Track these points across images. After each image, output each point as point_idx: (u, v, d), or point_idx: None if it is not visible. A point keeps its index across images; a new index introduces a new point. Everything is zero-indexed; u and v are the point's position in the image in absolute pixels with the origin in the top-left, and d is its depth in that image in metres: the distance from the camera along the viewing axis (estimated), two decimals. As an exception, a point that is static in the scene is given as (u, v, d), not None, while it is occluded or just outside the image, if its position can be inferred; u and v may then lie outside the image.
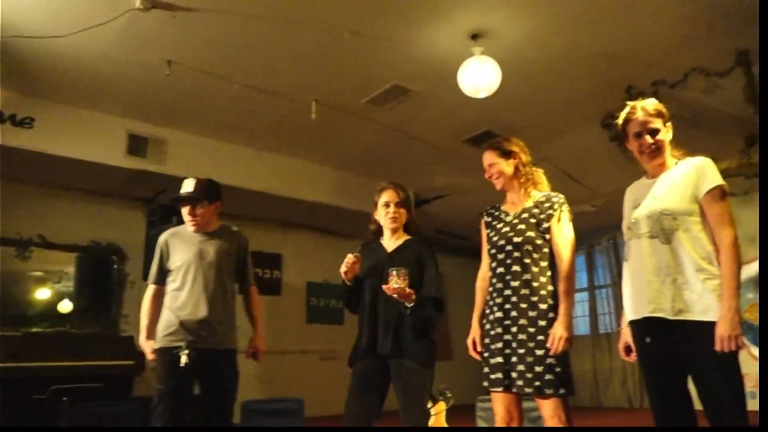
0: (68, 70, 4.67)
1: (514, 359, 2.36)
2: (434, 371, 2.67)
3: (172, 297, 2.94)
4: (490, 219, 2.66)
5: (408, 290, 2.53)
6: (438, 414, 4.34)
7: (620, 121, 2.35)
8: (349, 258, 2.69)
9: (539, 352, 2.32)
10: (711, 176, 2.15)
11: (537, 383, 2.30)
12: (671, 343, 2.11)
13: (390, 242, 2.86)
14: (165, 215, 5.14)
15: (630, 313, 2.28)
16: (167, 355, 2.83)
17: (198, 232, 3.03)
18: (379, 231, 2.92)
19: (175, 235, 3.09)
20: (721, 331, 1.96)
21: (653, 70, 4.82)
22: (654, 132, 2.25)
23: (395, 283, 2.51)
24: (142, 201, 6.39)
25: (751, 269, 6.92)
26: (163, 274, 3.03)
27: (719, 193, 2.13)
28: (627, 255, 2.33)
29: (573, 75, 4.96)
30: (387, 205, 2.83)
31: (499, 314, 2.44)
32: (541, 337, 2.34)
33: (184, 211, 3.02)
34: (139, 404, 4.49)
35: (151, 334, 2.98)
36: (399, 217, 2.82)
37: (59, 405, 4.16)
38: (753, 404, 6.13)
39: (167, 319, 2.91)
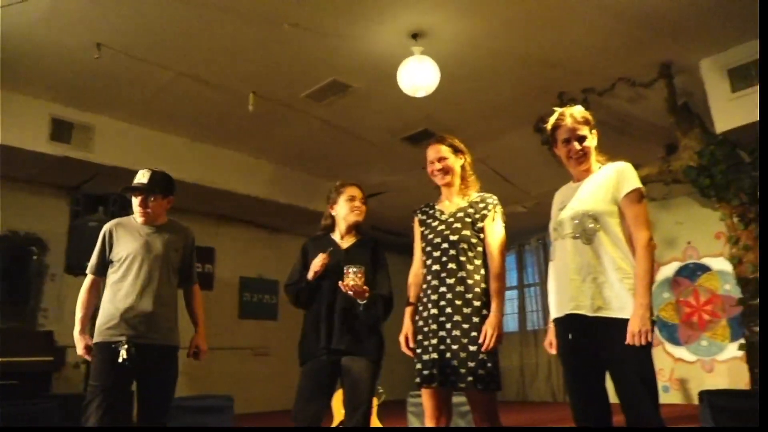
0: (-14, 48, 4.40)
1: (448, 355, 2.40)
2: (381, 366, 2.73)
3: (114, 289, 2.83)
4: (424, 217, 2.70)
5: (364, 287, 2.59)
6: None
7: (549, 126, 2.44)
8: (324, 258, 2.69)
9: (472, 348, 2.38)
10: (630, 179, 2.26)
11: (470, 378, 2.35)
12: (591, 339, 2.20)
13: (344, 240, 2.87)
14: (90, 205, 4.91)
15: (554, 311, 2.37)
16: (106, 349, 2.71)
17: (146, 225, 2.93)
18: (331, 227, 2.92)
19: (120, 225, 2.97)
20: (632, 327, 2.07)
21: (584, 77, 5.02)
22: (581, 139, 2.35)
23: (352, 280, 2.56)
24: (65, 189, 6.09)
25: (668, 270, 7.36)
26: (104, 265, 2.91)
27: (637, 196, 2.24)
28: (552, 255, 2.42)
29: (508, 78, 5.10)
30: (353, 199, 2.85)
31: (434, 311, 2.48)
32: (474, 334, 2.39)
33: (135, 201, 2.92)
34: (59, 402, 4.28)
35: (85, 328, 2.84)
36: (363, 212, 2.86)
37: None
38: (665, 398, 6.48)
39: (108, 312, 2.79)
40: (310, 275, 2.71)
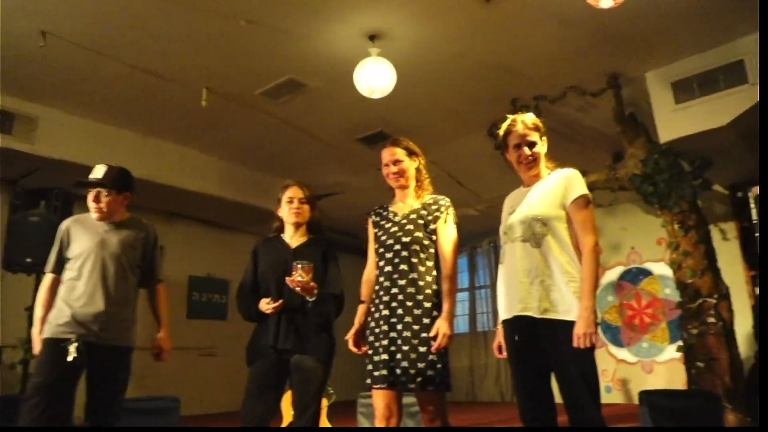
0: None
1: (398, 356, 2.42)
2: (332, 367, 2.71)
3: (68, 287, 2.75)
4: (378, 218, 2.71)
5: (311, 284, 2.57)
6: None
7: (501, 132, 2.49)
8: (275, 307, 2.63)
9: (422, 349, 2.40)
10: (577, 186, 2.33)
11: (419, 379, 2.37)
12: (537, 340, 2.26)
13: (293, 239, 2.86)
14: (31, 199, 4.73)
15: (503, 313, 2.42)
16: (53, 346, 2.62)
17: (103, 221, 2.85)
18: (281, 228, 2.92)
19: (78, 222, 2.88)
20: (577, 329, 2.13)
21: (536, 85, 5.14)
22: (532, 144, 2.41)
23: (299, 276, 2.54)
24: (5, 183, 5.83)
25: (613, 274, 7.61)
26: (62, 262, 2.81)
27: (584, 202, 2.31)
28: (502, 258, 2.47)
29: (464, 83, 5.17)
30: (291, 200, 2.84)
31: (385, 312, 2.49)
32: (424, 335, 2.42)
33: (89, 197, 2.84)
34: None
35: (44, 328, 2.74)
36: (302, 212, 2.84)
37: None
38: (608, 398, 6.67)
39: (59, 309, 2.71)
40: (264, 308, 2.66)
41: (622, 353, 7.37)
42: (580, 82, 5.07)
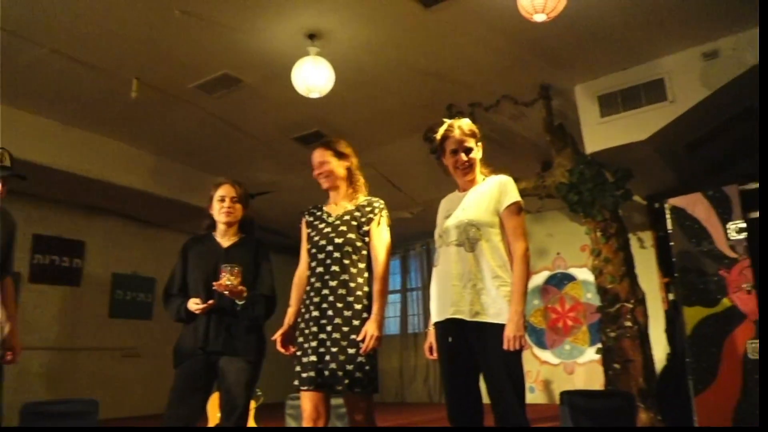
0: None
1: (327, 358, 2.41)
2: (261, 368, 2.67)
3: None
4: (311, 219, 2.69)
5: (240, 287, 2.53)
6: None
7: (438, 136, 2.53)
8: (204, 307, 2.58)
9: (351, 351, 2.40)
10: (511, 193, 2.41)
11: (347, 381, 2.37)
12: (467, 342, 2.31)
13: (224, 239, 2.81)
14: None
15: (435, 315, 2.46)
16: None
17: None
18: (213, 226, 2.85)
19: None
20: (508, 332, 2.20)
21: (472, 92, 5.25)
22: (468, 150, 2.46)
23: (227, 280, 2.52)
24: None
25: (539, 278, 7.87)
26: None
27: (516, 208, 2.38)
28: (436, 261, 2.51)
29: (401, 87, 5.22)
30: (222, 199, 2.79)
31: (315, 313, 2.48)
32: (354, 336, 2.42)
33: None
34: None
35: None
36: (233, 212, 2.79)
37: None
38: (531, 398, 6.86)
39: None
40: (192, 308, 2.60)
41: (546, 355, 7.64)
42: (513, 91, 5.22)
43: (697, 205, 4.36)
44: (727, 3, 4.12)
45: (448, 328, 2.35)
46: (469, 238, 2.35)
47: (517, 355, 2.20)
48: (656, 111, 4.81)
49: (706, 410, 4.07)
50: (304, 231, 2.70)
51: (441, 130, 2.52)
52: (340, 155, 2.66)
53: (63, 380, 6.37)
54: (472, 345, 2.29)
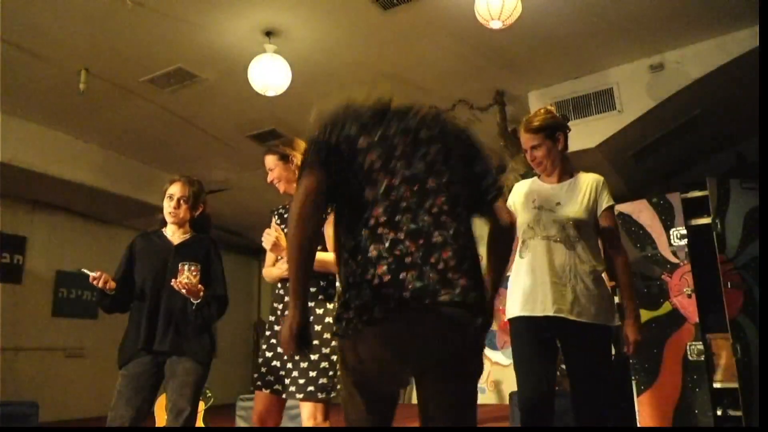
0: None
1: (289, 365, 2.38)
2: (209, 369, 2.63)
3: None
4: (279, 221, 2.65)
5: (198, 286, 2.50)
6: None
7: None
8: (105, 277, 2.57)
9: (314, 357, 2.36)
10: (609, 194, 2.48)
11: (310, 388, 2.33)
12: (556, 339, 2.37)
13: (175, 236, 2.75)
14: None
15: (521, 309, 2.41)
16: None
17: None
18: (165, 223, 2.79)
19: None
20: (631, 336, 2.33)
21: (428, 95, 5.24)
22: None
23: (186, 278, 2.46)
24: None
25: (491, 281, 7.99)
26: None
27: (614, 211, 2.48)
28: (523, 252, 2.48)
29: (358, 88, 5.21)
30: (170, 198, 2.73)
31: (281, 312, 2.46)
32: (316, 342, 2.37)
33: None
34: None
35: None
36: (177, 213, 2.72)
37: None
38: (482, 398, 6.95)
39: None
40: (101, 285, 2.58)
41: (497, 356, 7.77)
42: (469, 95, 5.29)
43: (642, 211, 4.51)
44: (673, 18, 4.29)
45: (542, 325, 2.33)
46: (570, 236, 2.37)
47: (610, 356, 2.33)
48: (605, 120, 4.96)
49: (649, 409, 4.22)
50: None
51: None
52: (286, 158, 2.61)
53: (3, 381, 6.11)
54: (564, 342, 2.35)
